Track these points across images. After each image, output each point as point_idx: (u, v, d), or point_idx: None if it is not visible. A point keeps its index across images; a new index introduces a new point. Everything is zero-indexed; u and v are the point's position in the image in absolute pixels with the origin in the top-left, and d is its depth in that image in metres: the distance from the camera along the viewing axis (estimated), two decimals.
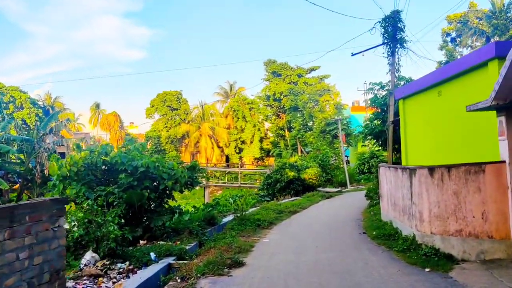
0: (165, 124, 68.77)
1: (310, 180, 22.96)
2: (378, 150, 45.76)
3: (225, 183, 44.26)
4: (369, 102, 18.52)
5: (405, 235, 9.53)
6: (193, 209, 18.31)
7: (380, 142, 18.21)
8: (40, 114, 62.46)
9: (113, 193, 10.72)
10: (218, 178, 51.05)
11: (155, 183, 11.12)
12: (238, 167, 28.12)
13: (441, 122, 12.01)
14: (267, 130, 64.72)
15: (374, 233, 11.17)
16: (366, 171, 41.92)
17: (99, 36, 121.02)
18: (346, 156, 43.87)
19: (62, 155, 74.44)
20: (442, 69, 12.36)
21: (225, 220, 13.84)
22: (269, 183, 22.44)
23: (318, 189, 23.96)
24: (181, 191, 11.48)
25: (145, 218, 11.21)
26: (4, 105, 58.14)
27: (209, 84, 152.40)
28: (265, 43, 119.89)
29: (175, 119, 69.20)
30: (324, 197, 21.07)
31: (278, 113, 61.61)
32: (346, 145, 35.87)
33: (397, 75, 16.64)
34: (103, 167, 11.63)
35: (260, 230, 12.54)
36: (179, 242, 10.65)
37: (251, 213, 14.21)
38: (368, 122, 18.50)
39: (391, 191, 11.12)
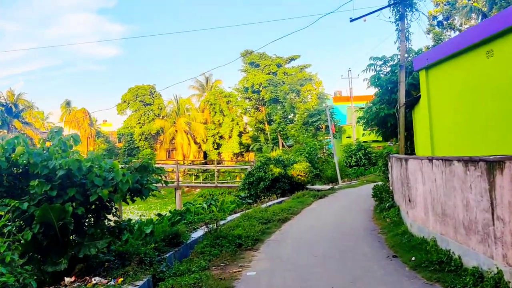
0: (138, 120, 64.80)
1: (299, 177, 19.58)
2: (366, 142, 43.19)
3: (200, 182, 40.53)
4: (369, 81, 15.19)
5: (474, 268, 6.10)
6: (157, 217, 14.81)
7: (385, 130, 14.96)
8: (1, 112, 57.57)
9: (21, 208, 7.14)
10: (197, 176, 47.39)
11: (87, 192, 7.55)
12: (215, 163, 24.69)
13: (491, 97, 8.66)
14: (246, 124, 61.59)
15: (412, 258, 7.64)
16: (354, 164, 39.08)
17: (72, 33, 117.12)
18: (330, 148, 40.77)
19: None
20: (495, 19, 8.73)
21: (194, 235, 10.25)
22: (250, 181, 18.95)
23: (307, 187, 20.66)
24: (126, 202, 7.93)
25: (73, 243, 7.66)
26: None
27: (184, 78, 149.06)
28: (242, 34, 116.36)
29: (148, 114, 65.32)
30: (317, 197, 17.73)
31: (257, 106, 58.37)
32: (332, 136, 32.82)
33: (407, 45, 13.34)
34: (15, 170, 8.01)
35: (242, 254, 8.93)
36: (121, 279, 7.18)
37: (229, 226, 10.63)
38: (371, 105, 15.15)
39: (434, 194, 7.66)
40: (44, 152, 7.76)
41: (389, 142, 48.62)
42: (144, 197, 7.65)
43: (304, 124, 46.88)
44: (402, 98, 12.83)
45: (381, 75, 14.99)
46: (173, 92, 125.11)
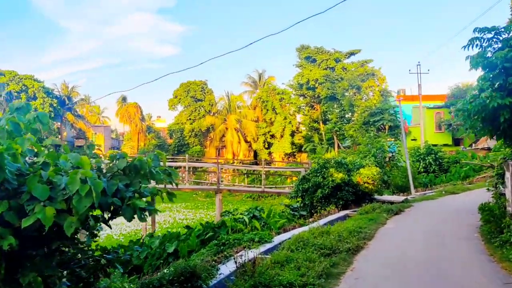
0: (189, 116, 63.13)
1: (366, 185, 15.75)
2: (435, 145, 38.20)
3: (245, 185, 37.12)
4: (471, 62, 11.21)
5: None
6: (186, 230, 11.68)
7: (492, 127, 10.92)
8: (55, 105, 57.42)
9: None
10: (247, 175, 44.37)
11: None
12: (263, 164, 21.16)
13: None
14: (299, 123, 58.10)
15: None
16: (422, 170, 34.30)
17: (133, 32, 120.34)
18: (391, 152, 36.40)
19: (81, 148, 70.12)
20: None
21: (223, 271, 6.70)
22: (305, 188, 15.34)
23: (375, 197, 16.82)
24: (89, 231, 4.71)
25: None
26: (16, 94, 53.26)
27: (237, 73, 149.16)
28: (299, 29, 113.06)
29: (199, 110, 63.50)
30: (391, 212, 13.86)
31: (312, 104, 54.64)
32: (405, 136, 28.35)
33: None
34: None
35: None
36: None
37: (275, 260, 6.94)
38: (476, 93, 11.10)
39: None
40: None
41: (461, 146, 43.45)
42: (127, 218, 4.35)
43: (365, 123, 42.64)
44: None
45: (489, 53, 10.99)
46: (224, 89, 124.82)
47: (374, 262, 8.00)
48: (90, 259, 5.08)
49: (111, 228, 5.20)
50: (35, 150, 5.35)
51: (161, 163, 5.31)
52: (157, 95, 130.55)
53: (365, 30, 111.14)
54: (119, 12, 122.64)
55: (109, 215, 4.61)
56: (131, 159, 4.90)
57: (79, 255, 4.70)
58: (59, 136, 64.20)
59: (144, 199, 4.83)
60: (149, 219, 25.29)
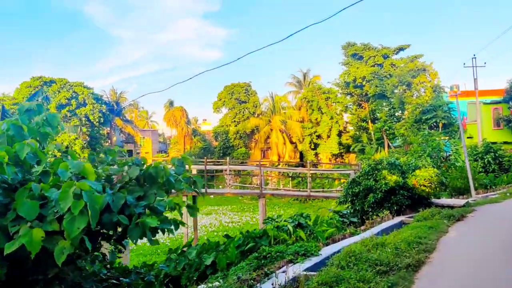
0: (233, 118, 62.99)
1: (422, 187, 14.33)
2: (494, 143, 35.53)
3: (291, 189, 35.87)
4: None
5: None
6: (225, 239, 10.87)
7: None
8: (104, 110, 58.86)
9: None
10: (293, 177, 43.38)
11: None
12: (309, 166, 19.89)
13: None
14: (347, 122, 56.41)
15: None
16: (481, 170, 31.89)
17: (180, 38, 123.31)
18: (447, 151, 34.03)
19: (130, 153, 71.63)
20: None
21: None
22: (355, 192, 14.14)
23: (432, 201, 15.34)
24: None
25: None
26: (67, 101, 54.95)
27: (281, 74, 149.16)
28: (344, 25, 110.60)
29: (243, 112, 63.20)
30: (453, 218, 12.41)
31: (360, 102, 52.91)
32: (463, 134, 26.25)
33: None
34: None
35: None
36: None
37: (322, 281, 5.91)
38: None
39: None
40: None
41: None
42: (134, 240, 3.54)
43: (416, 121, 40.50)
44: None
45: None
46: (268, 90, 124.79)
47: (441, 283, 6.79)
48: (102, 284, 4.31)
49: (125, 249, 4.40)
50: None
51: (187, 168, 4.48)
52: (204, 98, 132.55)
53: (413, 23, 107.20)
54: (167, 19, 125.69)
55: (119, 233, 3.81)
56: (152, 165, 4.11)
57: (84, 282, 3.92)
58: (109, 142, 65.87)
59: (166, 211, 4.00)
60: (191, 221, 24.84)
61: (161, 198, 3.75)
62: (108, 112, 60.56)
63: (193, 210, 4.29)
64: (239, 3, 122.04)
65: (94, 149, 58.11)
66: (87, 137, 54.53)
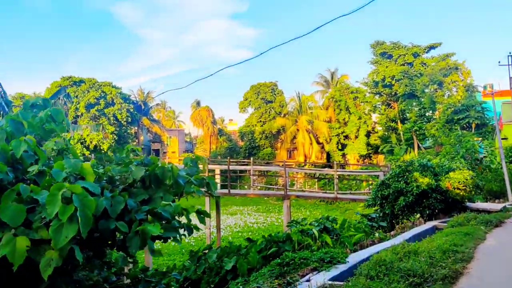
0: (259, 118, 62.63)
1: (456, 191, 13.55)
2: None
3: (317, 191, 35.14)
4: None
5: None
6: (247, 242, 10.47)
7: None
8: (132, 110, 59.46)
9: None
10: (318, 178, 42.59)
11: None
12: (336, 167, 18.91)
13: None
14: (375, 122, 55.20)
15: None
16: None
17: (208, 38, 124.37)
18: (481, 153, 32.67)
19: (157, 152, 72.22)
20: None
21: None
22: (384, 195, 13.48)
23: (467, 205, 14.52)
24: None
25: None
26: (95, 100, 55.72)
27: (308, 74, 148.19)
28: (372, 24, 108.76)
29: (269, 112, 62.77)
30: (490, 224, 11.61)
31: (389, 102, 51.62)
32: (499, 134, 24.95)
33: None
34: None
35: None
36: None
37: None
38: None
39: None
40: None
41: None
42: (131, 250, 3.13)
43: (448, 122, 39.14)
44: None
45: None
46: (295, 89, 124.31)
47: None
48: None
49: (131, 257, 4.00)
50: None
51: (200, 169, 4.05)
52: (232, 99, 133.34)
53: (443, 21, 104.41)
54: (195, 20, 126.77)
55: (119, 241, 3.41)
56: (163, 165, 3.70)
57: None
58: (136, 141, 66.57)
59: (176, 214, 3.59)
60: (214, 222, 24.49)
61: (166, 203, 3.32)
62: (135, 112, 61.14)
63: (204, 215, 3.85)
64: (267, 3, 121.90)
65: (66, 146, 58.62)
66: (115, 136, 55.12)
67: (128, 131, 61.56)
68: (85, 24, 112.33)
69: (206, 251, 10.45)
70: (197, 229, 3.84)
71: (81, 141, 52.05)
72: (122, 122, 56.82)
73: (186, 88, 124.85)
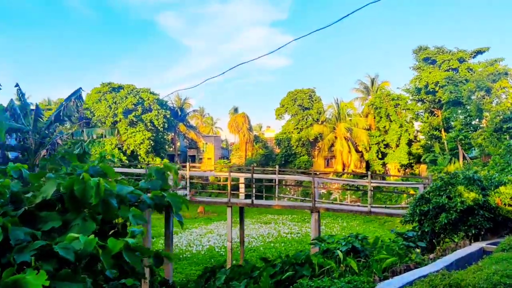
0: (296, 125, 61.41)
1: (508, 207, 11.90)
2: None
3: (350, 203, 33.25)
4: None
5: None
6: (262, 263, 9.33)
7: None
8: (168, 116, 59.61)
9: None
10: (354, 189, 40.80)
11: None
12: (370, 178, 16.91)
13: None
14: (417, 131, 52.79)
15: None
16: None
17: (247, 46, 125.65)
18: None
19: (193, 158, 72.24)
20: None
21: None
22: (423, 211, 12.00)
23: None
24: None
25: None
26: (133, 106, 56.19)
27: (347, 80, 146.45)
28: (416, 29, 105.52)
29: (306, 119, 61.42)
30: None
31: (432, 110, 49.23)
32: None
33: None
34: None
35: None
36: None
37: None
38: None
39: None
40: None
41: None
42: None
43: (496, 130, 36.51)
44: None
45: None
46: (333, 96, 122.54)
47: None
48: None
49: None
50: None
51: (170, 179, 2.99)
52: (269, 105, 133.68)
53: (490, 25, 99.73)
54: (236, 28, 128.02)
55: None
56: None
57: None
58: (173, 147, 66.80)
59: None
60: (237, 233, 23.38)
61: (76, 235, 2.27)
62: (172, 118, 61.28)
63: (159, 262, 2.78)
64: (307, 10, 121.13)
65: (158, 154, 59.10)
66: (151, 142, 55.36)
67: (165, 137, 61.75)
68: (131, 33, 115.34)
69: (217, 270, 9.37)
70: (170, 258, 2.73)
71: (118, 146, 52.58)
72: (159, 127, 57.03)
73: (225, 95, 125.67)
